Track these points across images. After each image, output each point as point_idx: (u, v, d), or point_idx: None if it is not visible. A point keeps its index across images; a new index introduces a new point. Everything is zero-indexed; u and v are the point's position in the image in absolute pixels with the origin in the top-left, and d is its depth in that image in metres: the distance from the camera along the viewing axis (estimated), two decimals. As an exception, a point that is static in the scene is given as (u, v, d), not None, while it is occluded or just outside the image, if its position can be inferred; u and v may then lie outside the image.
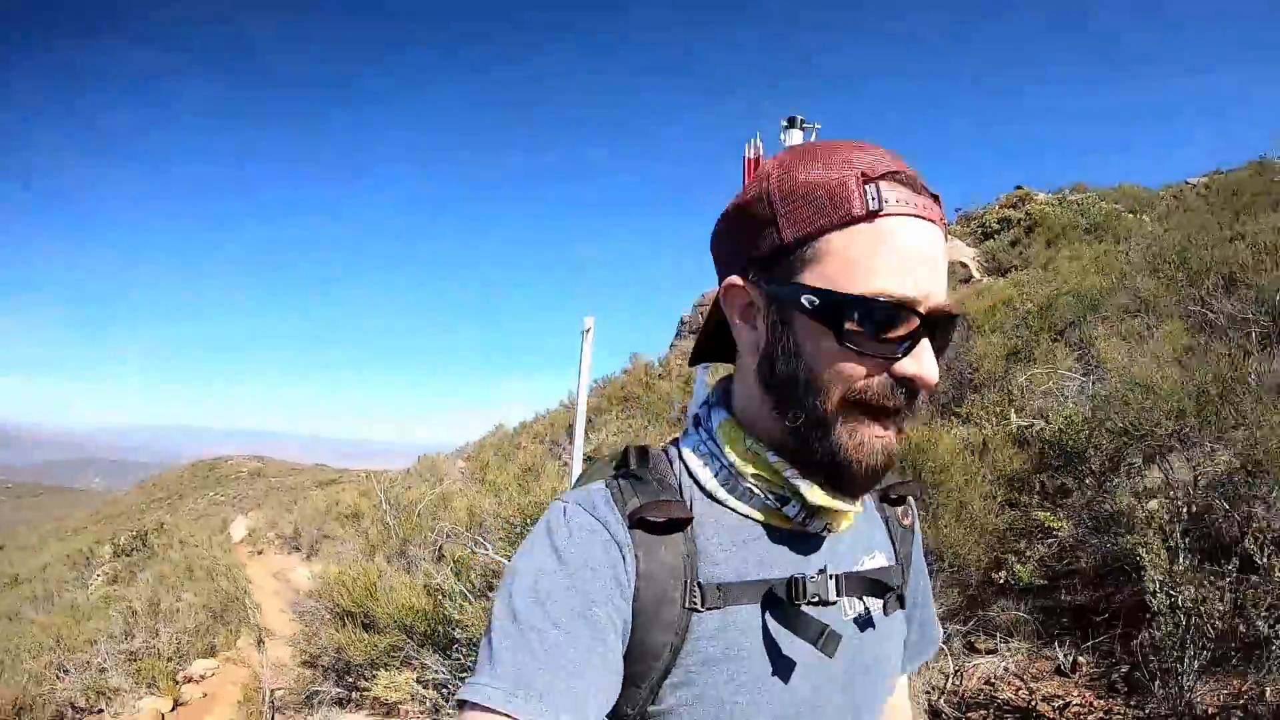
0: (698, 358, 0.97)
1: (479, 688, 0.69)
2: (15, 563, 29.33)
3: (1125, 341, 5.70)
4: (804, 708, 0.82)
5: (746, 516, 0.84)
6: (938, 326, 0.76)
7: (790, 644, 0.81)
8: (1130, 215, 16.01)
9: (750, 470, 0.82)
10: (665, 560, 0.78)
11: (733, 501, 0.83)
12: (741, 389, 0.86)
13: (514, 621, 0.72)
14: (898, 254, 0.72)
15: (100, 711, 6.77)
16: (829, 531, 0.85)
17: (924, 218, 0.74)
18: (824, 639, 0.77)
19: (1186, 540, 3.24)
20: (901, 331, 0.73)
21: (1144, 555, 3.17)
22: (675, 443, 0.92)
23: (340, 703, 5.32)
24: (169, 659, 7.84)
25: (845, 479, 0.77)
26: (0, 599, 18.70)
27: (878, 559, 0.93)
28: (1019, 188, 20.57)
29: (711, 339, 0.94)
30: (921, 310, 0.73)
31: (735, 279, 0.81)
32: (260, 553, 17.23)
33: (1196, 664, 2.94)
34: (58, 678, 7.23)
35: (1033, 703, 3.43)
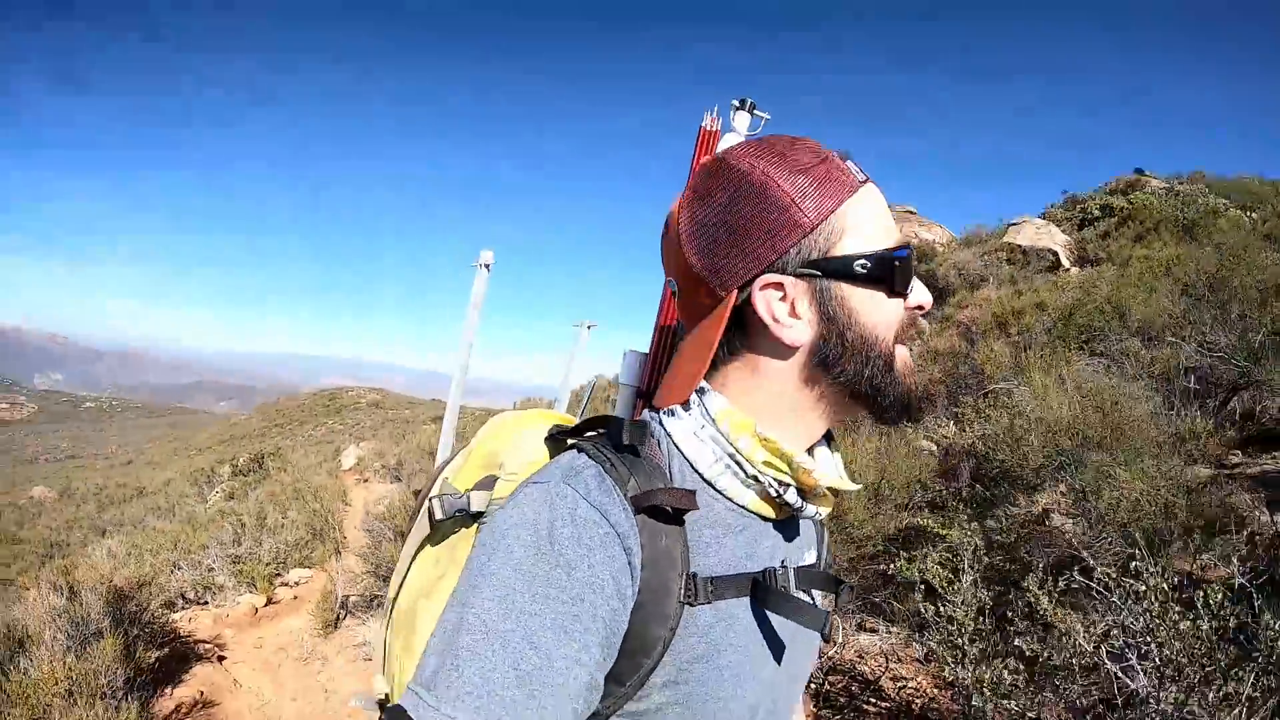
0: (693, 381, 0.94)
1: (435, 712, 0.68)
2: (142, 477, 33.72)
3: (1095, 366, 6.11)
4: (770, 691, 0.93)
5: (735, 506, 0.90)
6: None
7: (776, 629, 0.92)
8: (1238, 212, 15.75)
9: (762, 457, 0.88)
10: (667, 550, 0.81)
11: (732, 490, 0.89)
12: (751, 387, 0.91)
13: (488, 635, 0.71)
14: (884, 209, 0.90)
15: (206, 603, 8.48)
16: (819, 516, 0.95)
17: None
18: (827, 626, 0.90)
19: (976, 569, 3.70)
20: (911, 274, 0.91)
21: (933, 575, 3.73)
22: (649, 418, 0.97)
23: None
24: (268, 564, 9.54)
25: (915, 402, 0.94)
26: (127, 508, 21.87)
27: (809, 555, 1.03)
28: (1138, 171, 20.14)
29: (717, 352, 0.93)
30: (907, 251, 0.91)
31: (773, 275, 0.86)
32: (366, 480, 19.31)
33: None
34: (171, 572, 9.04)
35: (881, 679, 4.30)
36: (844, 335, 0.87)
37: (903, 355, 0.92)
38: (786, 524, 0.97)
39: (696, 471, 0.90)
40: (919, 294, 0.92)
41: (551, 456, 0.91)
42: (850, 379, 0.89)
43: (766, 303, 0.87)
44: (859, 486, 1.00)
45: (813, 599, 1.01)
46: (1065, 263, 15.43)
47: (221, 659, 6.68)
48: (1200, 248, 11.82)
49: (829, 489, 0.92)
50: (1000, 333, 9.43)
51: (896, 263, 0.87)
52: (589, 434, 0.91)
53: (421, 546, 0.98)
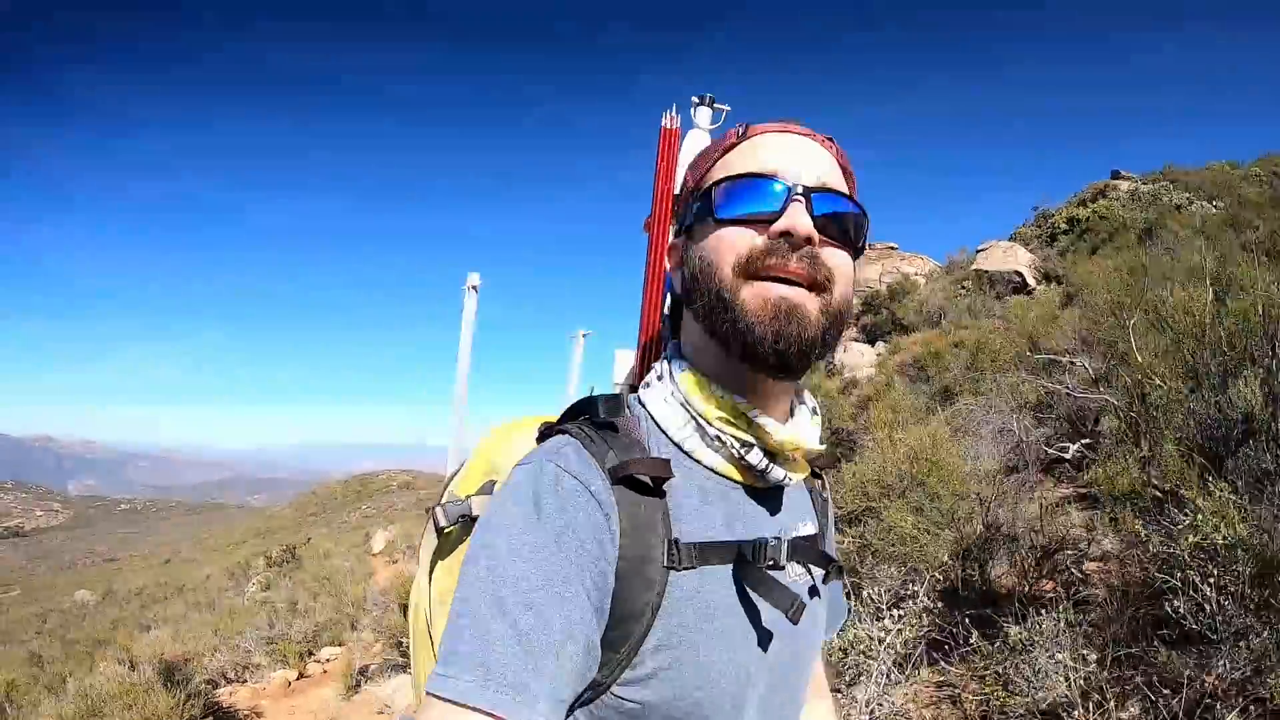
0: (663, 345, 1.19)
1: (448, 680, 0.73)
2: (181, 574, 35.25)
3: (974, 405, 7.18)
4: (763, 665, 0.96)
5: (714, 472, 0.97)
6: (819, 204, 0.93)
7: (759, 607, 0.95)
8: (1202, 204, 16.38)
9: (716, 413, 0.95)
10: (647, 517, 0.87)
11: (702, 453, 0.96)
12: (690, 339, 1.03)
13: (485, 604, 0.76)
14: (761, 150, 0.96)
15: (245, 681, 9.76)
16: (789, 481, 1.00)
17: (796, 133, 0.98)
18: (793, 609, 0.93)
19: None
20: (768, 199, 0.92)
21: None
22: (630, 397, 1.06)
23: (406, 668, 7.92)
24: (298, 644, 10.82)
25: (756, 343, 0.90)
26: (169, 605, 23.24)
27: (808, 527, 1.08)
28: (1114, 173, 20.60)
29: (670, 323, 1.17)
30: (788, 182, 0.93)
31: (672, 240, 1.08)
32: (395, 562, 20.59)
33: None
34: (213, 654, 10.35)
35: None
36: (689, 275, 0.97)
37: (759, 291, 0.90)
38: (771, 494, 1.01)
39: (670, 439, 0.96)
40: (781, 220, 0.90)
41: None
42: (698, 318, 0.96)
43: (671, 260, 1.06)
44: (823, 447, 1.03)
45: (809, 572, 1.05)
46: (1031, 282, 16.16)
47: (258, 717, 7.93)
48: (1143, 255, 12.67)
49: (798, 452, 0.98)
50: (919, 374, 10.50)
51: (721, 188, 0.93)
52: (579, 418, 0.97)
53: (435, 560, 1.06)
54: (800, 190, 0.91)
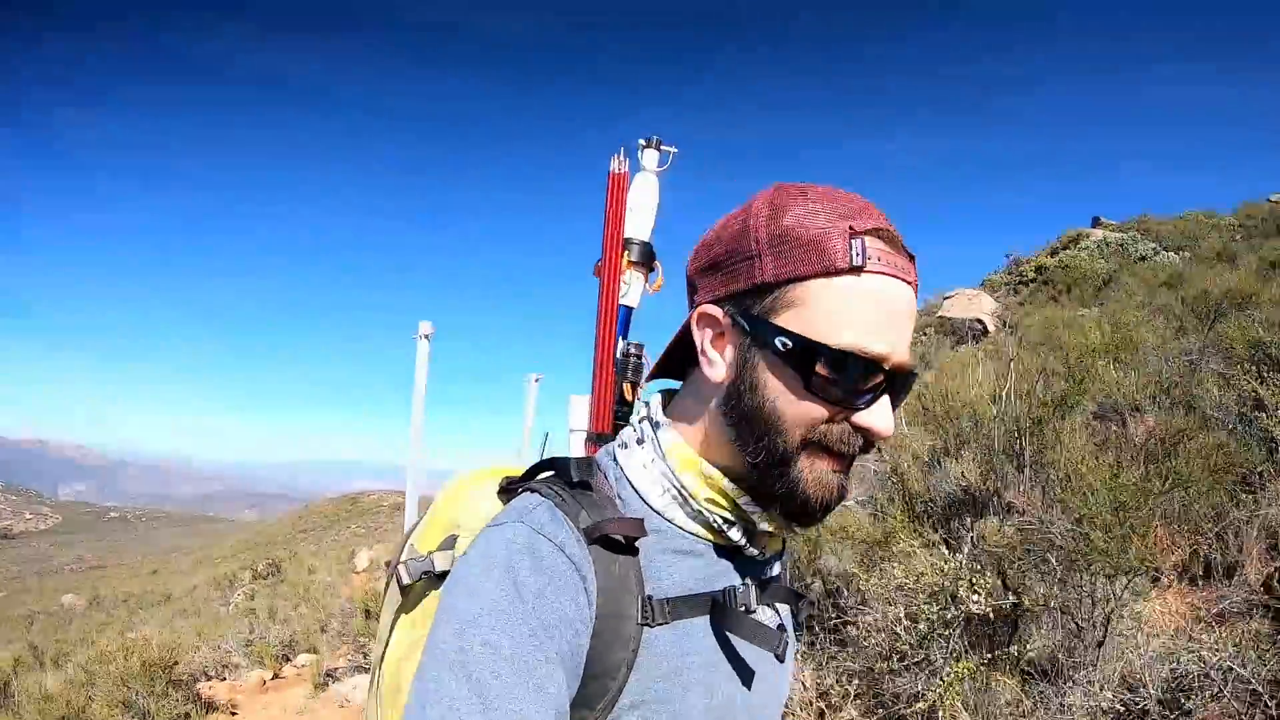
0: (656, 376, 1.12)
1: None
2: (169, 584, 36.24)
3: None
4: (741, 710, 0.99)
5: (687, 532, 0.97)
6: (898, 382, 0.92)
7: (739, 650, 0.98)
8: (1166, 255, 16.86)
9: (705, 494, 0.96)
10: (620, 575, 0.89)
11: (680, 519, 0.97)
12: (695, 414, 0.99)
13: (453, 668, 0.77)
14: (874, 311, 0.87)
15: (224, 678, 10.79)
16: (764, 555, 1.02)
17: (902, 279, 0.89)
18: (779, 645, 0.97)
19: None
20: (867, 385, 0.88)
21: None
22: (598, 455, 1.06)
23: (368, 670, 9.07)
24: (276, 648, 11.86)
25: (803, 512, 0.93)
26: (154, 613, 24.22)
27: (775, 568, 1.09)
28: (1095, 220, 21.37)
29: (672, 360, 1.09)
30: (887, 366, 0.88)
31: (712, 308, 0.95)
32: (377, 580, 21.59)
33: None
34: (195, 651, 11.40)
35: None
36: (744, 397, 0.91)
37: (814, 465, 0.90)
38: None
39: (646, 503, 0.97)
40: (869, 415, 0.89)
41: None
42: (745, 447, 0.92)
43: (700, 329, 0.96)
44: (805, 531, 1.09)
45: (779, 614, 1.09)
46: (991, 330, 16.30)
47: (234, 714, 8.96)
48: (1092, 306, 13.36)
49: (776, 531, 0.99)
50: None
51: (826, 360, 0.85)
52: (541, 477, 0.98)
53: (397, 615, 1.06)
54: (893, 377, 0.90)
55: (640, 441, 1.01)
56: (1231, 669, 3.46)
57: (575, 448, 1.83)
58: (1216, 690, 3.41)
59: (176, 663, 8.50)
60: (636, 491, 0.98)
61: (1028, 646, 4.03)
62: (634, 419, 1.06)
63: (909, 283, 0.90)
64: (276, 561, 26.81)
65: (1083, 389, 5.81)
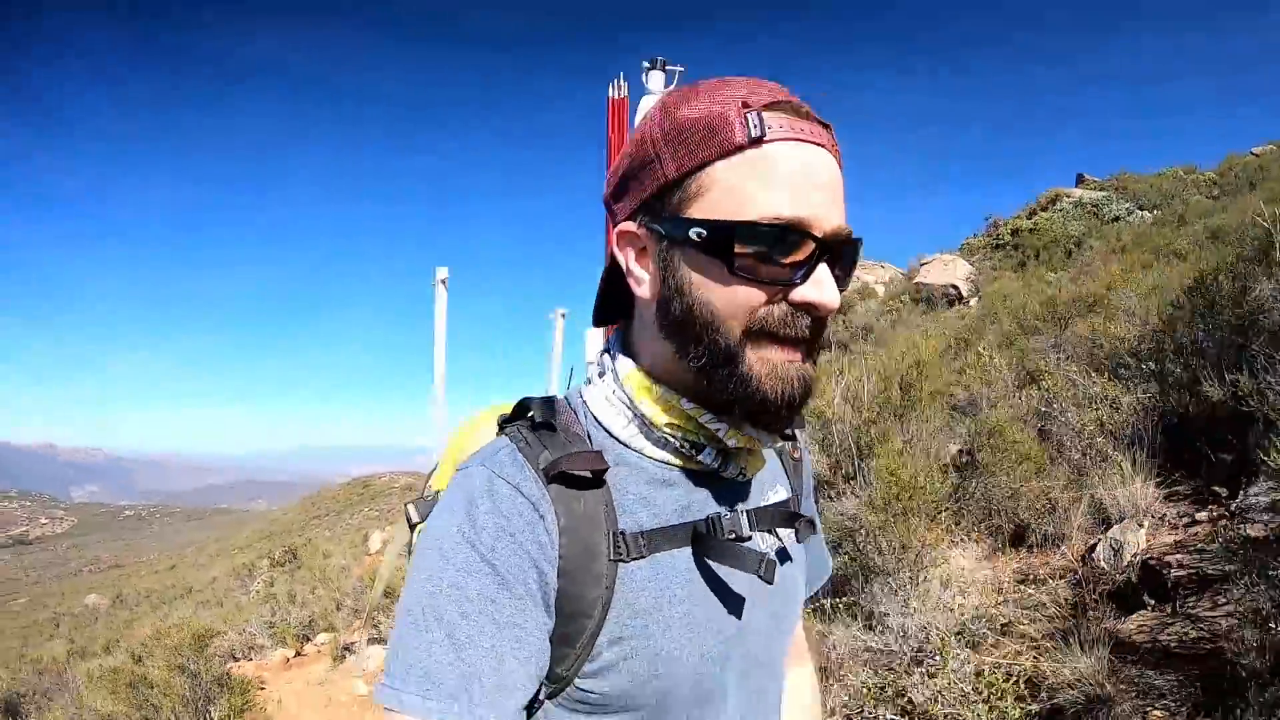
0: (600, 320, 1.07)
1: (391, 692, 0.78)
2: (188, 577, 37.42)
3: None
4: (735, 638, 0.97)
5: (661, 461, 0.95)
6: (837, 252, 0.85)
7: (726, 579, 0.96)
8: (1140, 214, 16.97)
9: (665, 419, 0.93)
10: (586, 512, 0.87)
11: (648, 449, 0.94)
12: (643, 338, 0.96)
13: (424, 614, 0.80)
14: (784, 177, 0.80)
15: (251, 658, 11.77)
16: (743, 476, 0.98)
17: (812, 142, 0.83)
18: (764, 567, 0.90)
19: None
20: (797, 257, 0.82)
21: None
22: (570, 391, 1.05)
23: (383, 641, 9.94)
24: (297, 629, 12.84)
25: (764, 411, 0.87)
26: (178, 606, 25.30)
27: (779, 493, 1.08)
28: (1079, 177, 21.28)
29: (609, 298, 1.04)
30: (816, 233, 0.81)
31: (627, 224, 0.91)
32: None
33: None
34: (223, 635, 12.39)
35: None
36: (674, 303, 0.87)
37: (767, 357, 0.85)
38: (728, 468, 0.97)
39: (613, 435, 0.95)
40: (808, 289, 0.83)
41: None
42: (686, 355, 0.88)
43: (622, 250, 0.93)
44: (780, 443, 1.04)
45: (780, 539, 1.05)
46: (966, 295, 16.48)
47: (262, 686, 9.92)
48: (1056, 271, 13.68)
49: (747, 445, 0.94)
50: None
51: (743, 236, 0.81)
52: (523, 417, 0.96)
53: (410, 552, 1.07)
54: (828, 245, 0.83)
55: (601, 374, 0.99)
56: (1011, 621, 4.36)
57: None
58: (997, 638, 4.26)
59: (209, 641, 9.43)
60: (602, 425, 0.96)
61: (858, 598, 4.93)
62: (596, 353, 1.05)
63: (821, 145, 0.84)
64: (292, 549, 27.92)
65: (910, 399, 6.63)
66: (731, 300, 0.84)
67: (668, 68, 2.19)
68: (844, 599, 5.02)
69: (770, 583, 0.92)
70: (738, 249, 0.81)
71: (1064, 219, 18.00)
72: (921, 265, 18.75)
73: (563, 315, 5.21)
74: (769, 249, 0.81)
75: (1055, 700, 3.60)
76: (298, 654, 11.81)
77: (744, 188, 0.81)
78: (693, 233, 0.83)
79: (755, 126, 0.80)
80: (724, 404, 0.89)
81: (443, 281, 4.84)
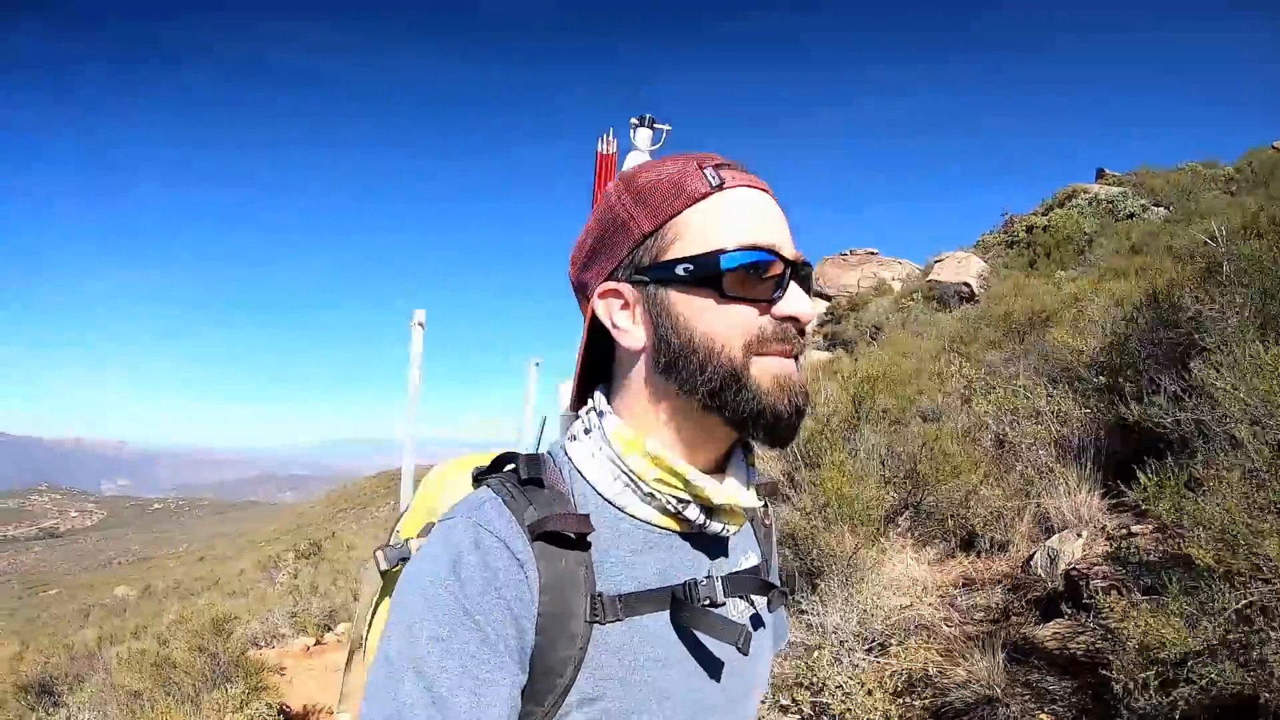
0: (581, 396, 1.07)
1: None
2: (216, 569, 38.23)
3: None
4: (707, 706, 0.97)
5: (644, 522, 0.96)
6: (799, 272, 0.94)
7: (702, 646, 0.96)
8: (1155, 210, 16.67)
9: (654, 474, 0.94)
10: (568, 572, 0.88)
11: (634, 507, 0.95)
12: (630, 394, 0.98)
13: (404, 664, 0.80)
14: (748, 214, 0.92)
15: (273, 646, 12.28)
16: (727, 533, 0.99)
17: (760, 188, 0.95)
18: (742, 639, 0.93)
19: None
20: (773, 274, 0.91)
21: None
22: (554, 447, 1.05)
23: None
24: (318, 618, 13.36)
25: (778, 421, 0.91)
26: (206, 597, 25.95)
27: (751, 559, 1.09)
28: (1099, 172, 20.81)
29: (587, 370, 1.06)
30: (786, 254, 0.92)
31: (608, 283, 0.96)
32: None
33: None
34: (247, 623, 12.92)
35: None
36: (671, 340, 0.91)
37: (767, 368, 0.91)
38: (709, 537, 1.00)
39: (598, 493, 0.95)
40: (789, 303, 0.92)
41: None
42: (689, 388, 0.91)
43: (605, 309, 0.97)
44: (760, 503, 1.03)
45: (753, 605, 1.07)
46: (979, 293, 16.23)
47: (283, 671, 10.41)
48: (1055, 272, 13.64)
49: (736, 506, 0.97)
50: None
51: (725, 264, 0.88)
52: (503, 470, 0.98)
53: (380, 598, 1.14)
54: (793, 267, 0.93)
55: (588, 431, 1.00)
56: (933, 623, 4.70)
57: (564, 431, 1.86)
58: (907, 639, 4.62)
59: (228, 625, 9.93)
60: (588, 483, 0.96)
61: (797, 597, 5.28)
62: (581, 411, 1.05)
63: (768, 192, 0.96)
64: (317, 542, 28.54)
65: (860, 410, 6.96)
66: (728, 322, 0.90)
67: (655, 125, 2.27)
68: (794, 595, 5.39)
69: (746, 654, 0.96)
70: (726, 277, 0.88)
71: (1078, 216, 17.62)
72: (936, 262, 18.59)
73: (536, 364, 5.01)
74: (750, 270, 0.89)
75: (946, 699, 3.89)
76: (318, 642, 12.31)
77: (715, 226, 0.90)
78: (679, 270, 0.90)
79: (714, 178, 0.91)
80: (740, 423, 0.92)
81: (420, 324, 4.74)
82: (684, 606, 0.93)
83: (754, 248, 0.89)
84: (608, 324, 0.96)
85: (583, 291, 1.02)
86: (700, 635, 0.95)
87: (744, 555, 1.08)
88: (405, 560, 1.07)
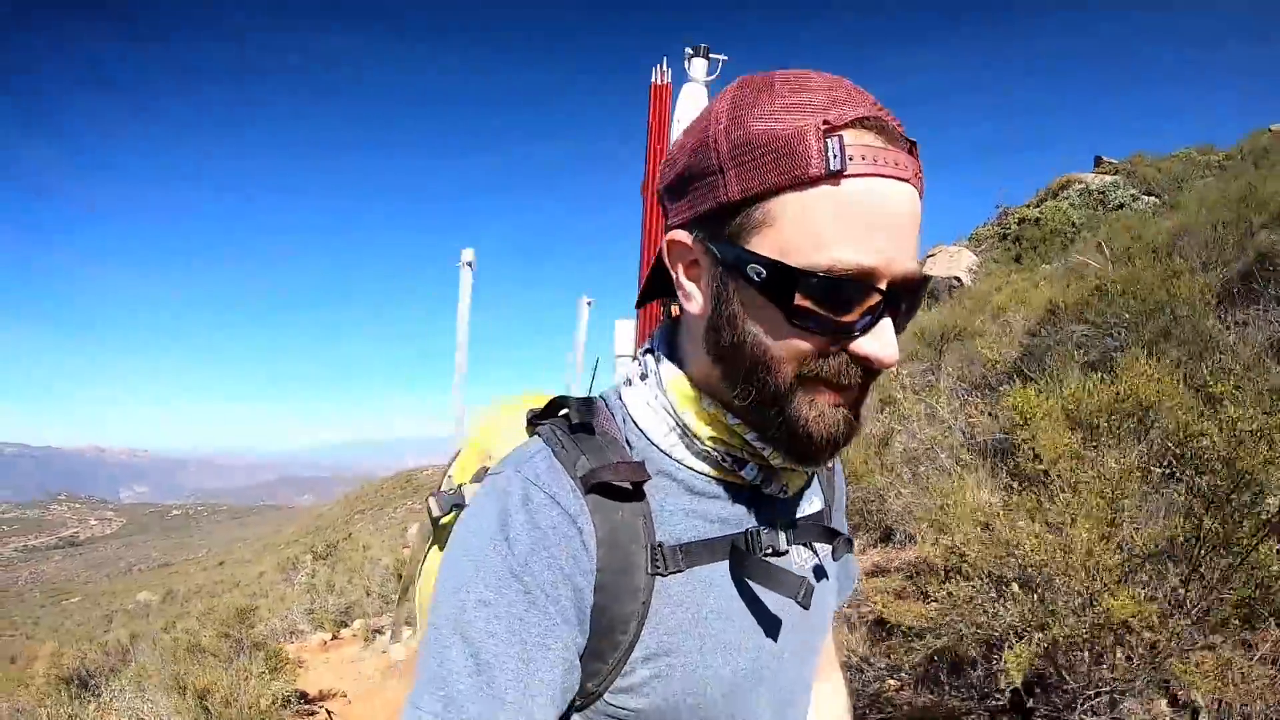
0: (645, 298, 1.05)
1: (414, 712, 0.77)
2: (237, 573, 39.22)
3: None
4: (769, 658, 0.95)
5: (700, 473, 0.92)
6: (902, 297, 0.80)
7: (763, 597, 0.94)
8: (1145, 200, 16.38)
9: (708, 432, 0.90)
10: (626, 524, 0.85)
11: (689, 459, 0.92)
12: (689, 346, 0.92)
13: (451, 628, 0.78)
14: (859, 221, 0.75)
15: (291, 641, 13.13)
16: (784, 493, 0.95)
17: (896, 176, 0.76)
18: (803, 592, 0.88)
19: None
20: (861, 308, 0.78)
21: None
22: (608, 391, 1.02)
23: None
24: (334, 614, 14.21)
25: (807, 451, 0.85)
26: (227, 599, 26.89)
27: (814, 504, 1.05)
28: (1097, 160, 20.35)
29: (656, 281, 1.01)
30: (882, 284, 0.77)
31: (679, 234, 0.87)
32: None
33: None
34: (267, 621, 13.79)
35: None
36: (723, 333, 0.84)
37: (814, 401, 0.83)
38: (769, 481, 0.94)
39: (652, 442, 0.92)
40: (867, 343, 0.80)
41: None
42: (734, 387, 0.86)
43: (671, 259, 0.89)
44: (813, 469, 0.99)
45: (816, 554, 1.03)
46: (968, 287, 15.89)
47: (301, 664, 11.24)
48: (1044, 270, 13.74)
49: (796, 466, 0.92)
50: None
51: (805, 285, 0.77)
52: (556, 415, 0.95)
53: (430, 549, 1.10)
54: (893, 293, 0.79)
55: (644, 376, 0.96)
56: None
57: (622, 374, 1.64)
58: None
59: (249, 615, 10.77)
60: (642, 431, 0.93)
61: None
62: (639, 351, 1.00)
63: (905, 179, 0.77)
64: (334, 543, 29.43)
65: None
66: (787, 348, 0.80)
67: (710, 55, 2.17)
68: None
69: (807, 608, 0.92)
70: (798, 298, 0.77)
71: (1068, 208, 17.46)
72: (929, 256, 18.48)
73: (589, 304, 5.04)
74: (832, 300, 0.77)
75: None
76: (334, 637, 13.14)
77: (814, 228, 0.76)
78: (751, 269, 0.79)
79: (835, 157, 0.74)
80: (769, 438, 0.87)
81: (469, 264, 4.71)
82: (745, 557, 0.90)
83: (848, 273, 0.76)
84: (674, 277, 0.90)
85: (663, 210, 0.93)
86: (758, 588, 0.93)
87: (807, 502, 1.03)
88: (459, 507, 1.03)
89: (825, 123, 0.74)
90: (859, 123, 0.75)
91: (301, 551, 32.60)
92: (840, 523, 1.19)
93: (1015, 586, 3.24)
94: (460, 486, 1.07)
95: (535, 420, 0.96)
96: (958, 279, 16.84)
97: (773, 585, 0.89)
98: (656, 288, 1.01)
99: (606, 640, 0.85)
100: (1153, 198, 16.72)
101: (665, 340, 0.98)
